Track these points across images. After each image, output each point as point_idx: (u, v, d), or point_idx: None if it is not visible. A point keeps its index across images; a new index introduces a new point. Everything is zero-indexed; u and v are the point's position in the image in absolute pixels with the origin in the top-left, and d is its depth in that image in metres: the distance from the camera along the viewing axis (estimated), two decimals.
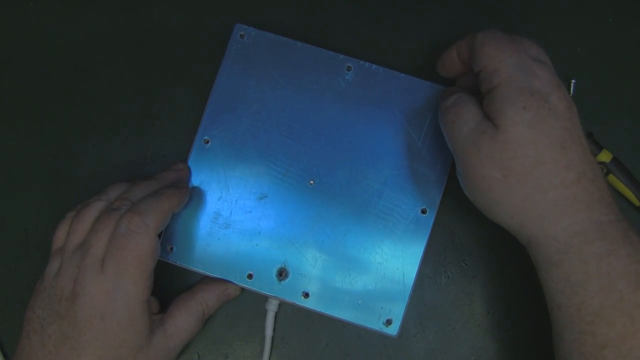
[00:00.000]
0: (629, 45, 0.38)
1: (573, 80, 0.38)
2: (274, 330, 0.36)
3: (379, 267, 0.34)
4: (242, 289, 0.35)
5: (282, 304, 0.36)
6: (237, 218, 0.35)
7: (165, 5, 0.40)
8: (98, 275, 0.29)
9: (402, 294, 0.34)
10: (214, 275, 0.34)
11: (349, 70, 0.35)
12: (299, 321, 0.37)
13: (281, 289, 0.34)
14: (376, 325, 0.34)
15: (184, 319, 0.33)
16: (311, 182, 0.34)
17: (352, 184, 0.34)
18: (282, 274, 0.34)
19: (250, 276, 0.34)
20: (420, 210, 0.34)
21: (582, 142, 0.28)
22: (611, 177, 0.36)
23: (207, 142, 0.36)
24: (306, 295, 0.34)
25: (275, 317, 0.36)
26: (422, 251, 0.34)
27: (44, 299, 0.30)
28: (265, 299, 0.36)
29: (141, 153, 0.39)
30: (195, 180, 0.36)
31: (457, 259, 0.37)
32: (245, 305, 0.37)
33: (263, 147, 0.35)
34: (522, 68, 0.28)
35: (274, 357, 0.36)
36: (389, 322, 0.34)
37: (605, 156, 0.36)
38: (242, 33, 0.36)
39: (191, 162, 0.36)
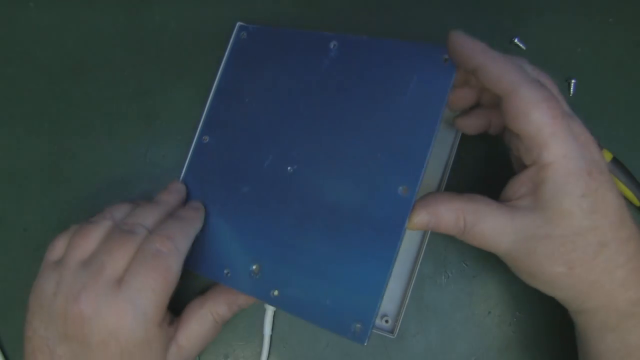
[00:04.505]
0: (629, 45, 0.38)
1: (573, 80, 0.38)
2: (274, 330, 0.36)
3: (353, 263, 0.29)
4: (255, 300, 0.34)
5: None
6: (220, 213, 0.34)
7: (165, 6, 0.40)
8: (113, 297, 0.28)
9: (374, 295, 0.28)
10: (196, 272, 0.34)
11: (333, 47, 0.33)
12: (299, 321, 0.37)
13: (253, 287, 0.32)
14: (344, 331, 0.28)
15: (194, 329, 0.32)
16: (289, 169, 0.32)
17: (331, 168, 0.31)
18: (256, 270, 0.32)
19: (227, 272, 0.33)
20: (399, 189, 0.28)
21: (624, 199, 0.26)
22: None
23: (205, 139, 0.36)
24: (277, 293, 0.31)
25: (275, 317, 0.36)
26: (398, 241, 0.28)
27: (43, 317, 0.29)
28: None
29: (141, 153, 0.39)
30: (190, 178, 0.36)
31: (457, 259, 0.36)
32: None
33: (252, 140, 0.34)
34: (575, 139, 0.25)
35: (274, 357, 0.36)
36: (358, 329, 0.28)
37: (605, 156, 0.36)
38: (243, 33, 0.36)
39: (190, 161, 0.36)
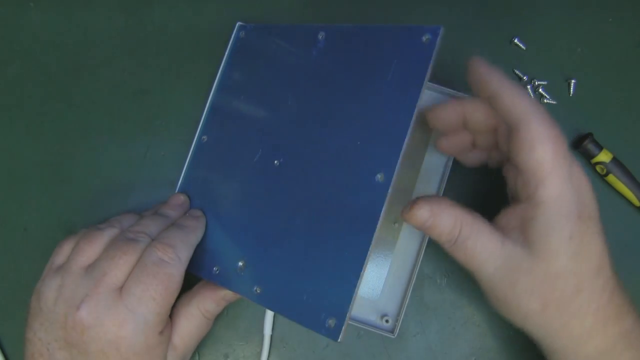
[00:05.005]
0: (629, 45, 0.38)
1: (573, 80, 0.38)
2: (274, 330, 0.36)
3: (329, 255, 0.28)
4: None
5: None
6: (214, 211, 0.34)
7: (165, 6, 0.40)
8: (114, 305, 0.28)
9: (348, 288, 0.26)
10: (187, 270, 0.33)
11: (321, 38, 0.32)
12: None
13: (238, 283, 0.31)
14: (318, 327, 0.27)
15: (185, 327, 0.32)
16: (276, 162, 0.32)
17: (315, 159, 0.30)
18: (241, 267, 0.31)
19: (216, 270, 0.32)
20: (377, 177, 0.27)
21: (606, 245, 0.27)
22: (611, 177, 0.36)
23: (204, 139, 0.36)
24: (259, 290, 0.30)
25: (275, 317, 0.36)
26: (374, 230, 0.26)
27: (43, 322, 0.29)
28: None
29: (141, 153, 0.39)
30: (190, 178, 0.36)
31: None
32: (245, 305, 0.37)
33: (245, 137, 0.34)
34: (571, 181, 0.26)
35: (274, 357, 0.36)
36: (332, 324, 0.26)
37: (605, 156, 0.36)
38: (242, 32, 0.36)
39: (190, 161, 0.36)
